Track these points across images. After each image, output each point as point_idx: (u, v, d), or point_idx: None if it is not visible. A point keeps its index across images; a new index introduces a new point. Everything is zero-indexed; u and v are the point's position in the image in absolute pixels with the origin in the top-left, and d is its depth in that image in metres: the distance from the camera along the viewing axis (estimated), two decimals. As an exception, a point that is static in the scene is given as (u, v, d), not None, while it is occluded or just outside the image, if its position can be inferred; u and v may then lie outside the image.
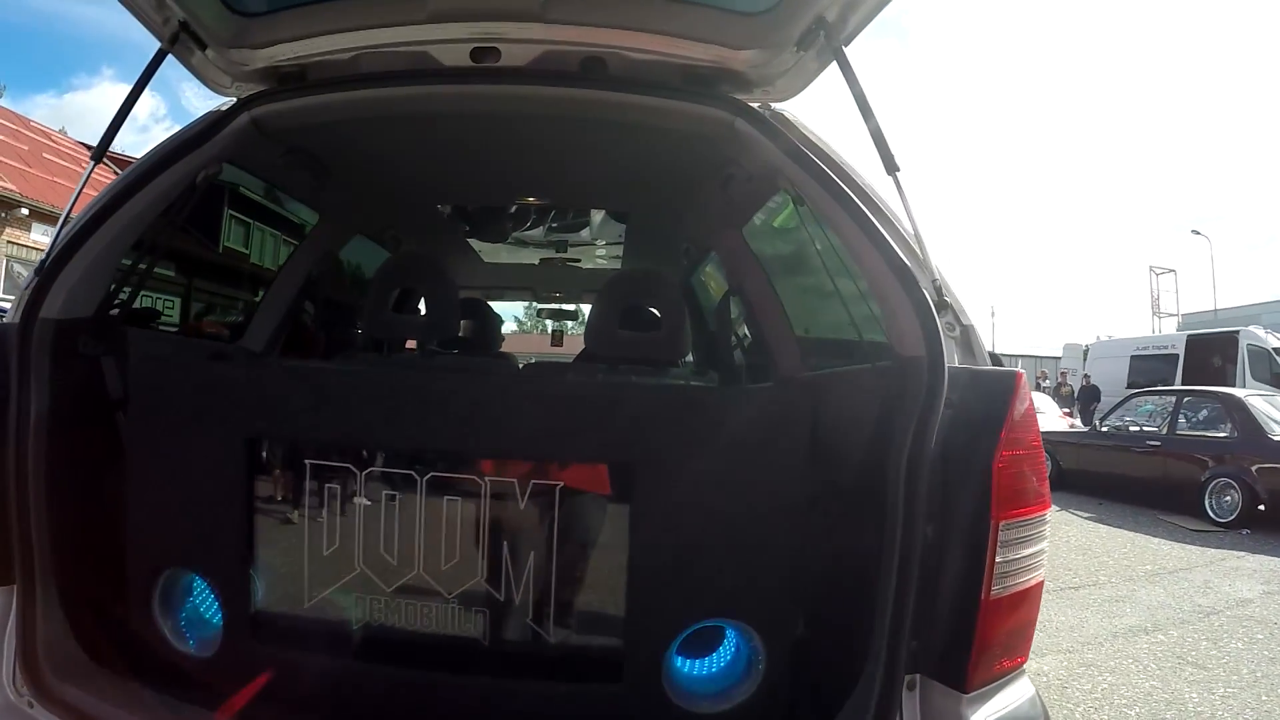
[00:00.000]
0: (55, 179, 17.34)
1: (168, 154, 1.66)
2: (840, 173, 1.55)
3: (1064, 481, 9.32)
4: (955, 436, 1.25)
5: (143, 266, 1.85)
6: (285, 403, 1.43)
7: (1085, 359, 17.82)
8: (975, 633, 1.22)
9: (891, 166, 1.46)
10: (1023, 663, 1.35)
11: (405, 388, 1.42)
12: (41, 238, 15.59)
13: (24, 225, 16.06)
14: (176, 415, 1.44)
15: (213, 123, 1.72)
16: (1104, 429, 9.53)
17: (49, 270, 1.50)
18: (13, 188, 15.79)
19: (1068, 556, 5.80)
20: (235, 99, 1.79)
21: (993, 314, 41.06)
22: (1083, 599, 4.76)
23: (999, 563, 1.21)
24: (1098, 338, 19.17)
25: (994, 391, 1.25)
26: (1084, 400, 15.84)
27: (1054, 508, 4.87)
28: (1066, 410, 15.42)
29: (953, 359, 1.32)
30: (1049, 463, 7.61)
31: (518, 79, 1.71)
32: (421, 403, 1.41)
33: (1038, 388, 17.60)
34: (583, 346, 2.52)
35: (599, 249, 3.84)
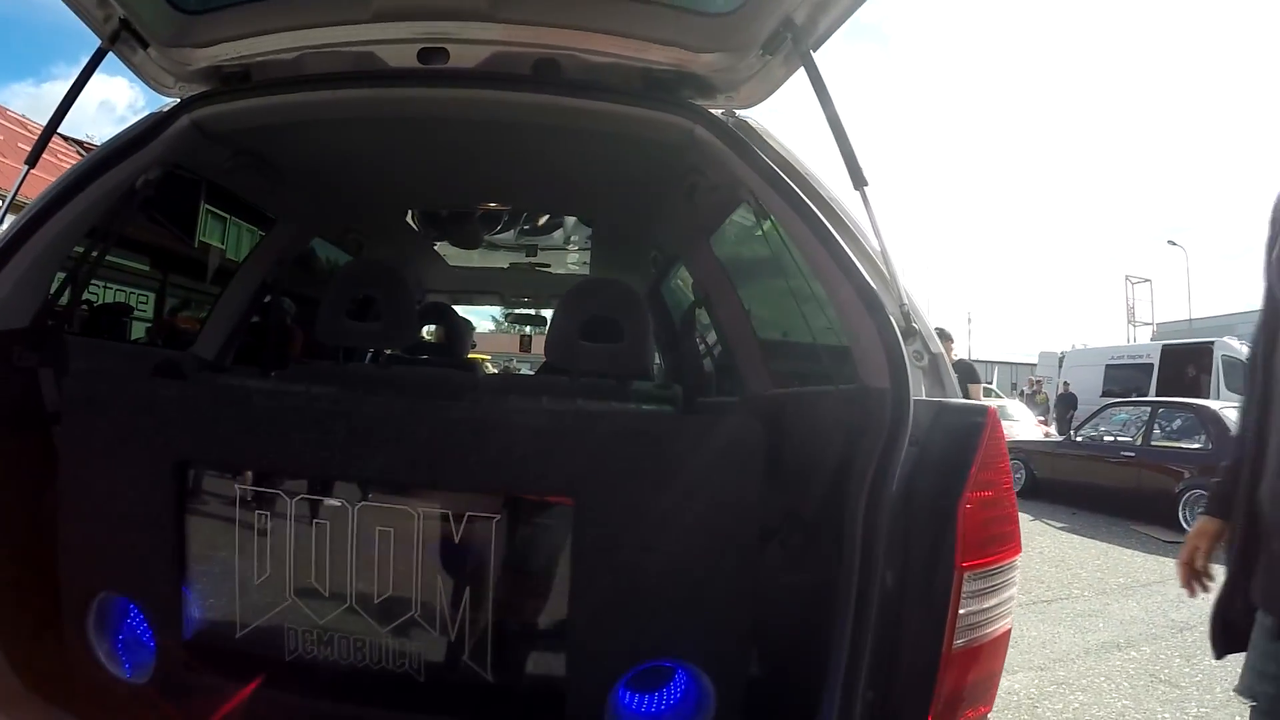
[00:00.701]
0: (32, 170, 17.06)
1: (103, 158, 1.59)
2: (806, 187, 1.47)
3: (1038, 491, 9.36)
4: (920, 477, 1.17)
5: (83, 272, 1.79)
6: (216, 425, 1.36)
7: (1060, 367, 17.97)
8: (936, 686, 1.14)
9: (859, 181, 1.38)
10: (987, 711, 1.26)
11: (338, 412, 1.35)
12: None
13: None
14: (109, 433, 1.37)
15: (152, 125, 1.66)
16: (1078, 438, 9.57)
17: None
18: (-13, 177, 15.51)
19: (1041, 569, 5.78)
20: (177, 99, 1.72)
21: (969, 320, 41.51)
22: (1055, 613, 4.74)
23: (963, 614, 1.13)
24: (1073, 346, 19.37)
25: (963, 429, 1.17)
26: (1061, 408, 15.97)
27: (1027, 517, 4.89)
28: (1041, 418, 15.55)
29: (919, 390, 1.24)
30: (1023, 472, 7.65)
31: (466, 82, 1.63)
32: (353, 428, 1.33)
33: (1016, 392, 17.74)
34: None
35: (570, 254, 3.77)
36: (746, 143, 1.54)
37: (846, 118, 1.45)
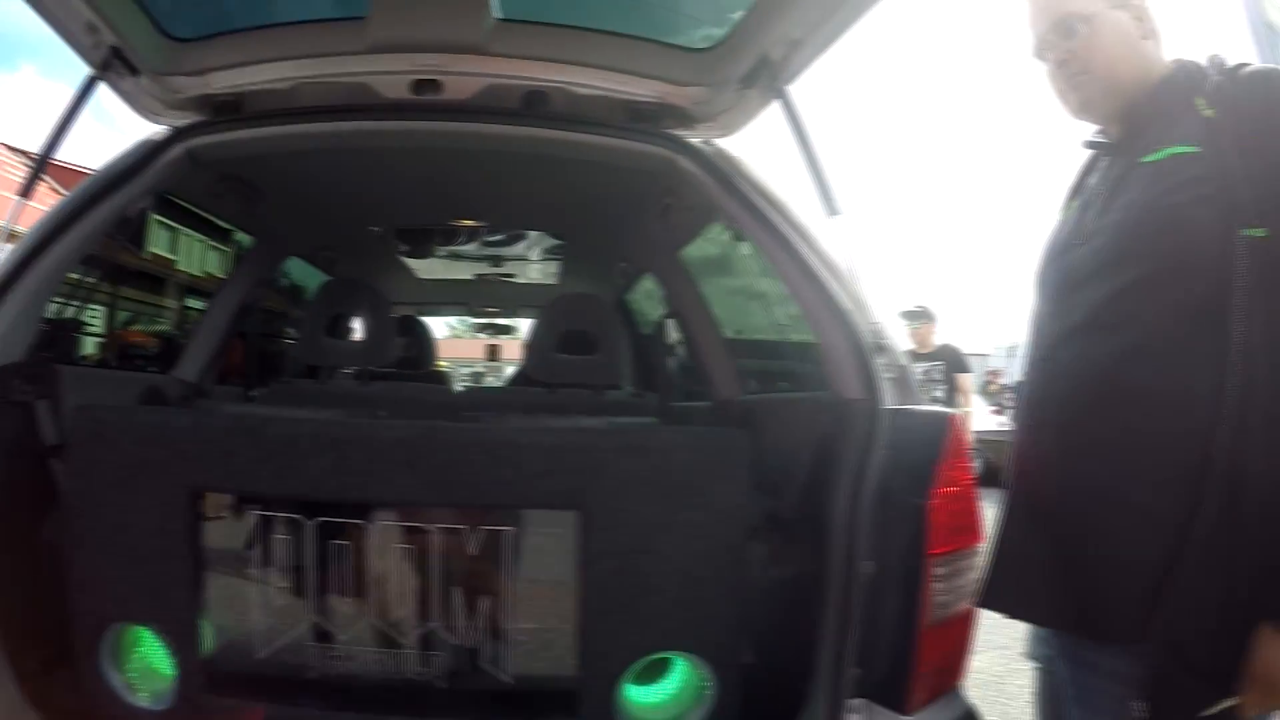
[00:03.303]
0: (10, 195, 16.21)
1: (99, 188, 1.60)
2: (781, 213, 1.58)
3: (994, 478, 9.61)
4: (892, 477, 1.31)
5: (77, 302, 1.80)
6: (229, 454, 1.38)
7: (1012, 357, 18.40)
8: (914, 659, 1.28)
9: (832, 210, 1.50)
10: (959, 681, 1.42)
11: (353, 437, 1.40)
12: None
13: None
14: (116, 465, 1.38)
15: (146, 154, 1.66)
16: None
17: None
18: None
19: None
20: (170, 128, 1.73)
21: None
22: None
23: (934, 595, 1.27)
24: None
25: (929, 433, 1.31)
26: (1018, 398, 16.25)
27: (985, 503, 5.07)
28: (996, 408, 15.96)
29: (890, 400, 1.38)
30: (979, 461, 7.82)
31: (459, 116, 1.70)
32: (369, 451, 1.39)
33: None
34: (516, 356, 2.50)
35: (534, 265, 3.82)
36: (725, 172, 1.65)
37: (821, 146, 1.55)
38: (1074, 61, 1.19)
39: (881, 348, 1.41)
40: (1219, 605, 1.01)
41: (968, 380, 5.51)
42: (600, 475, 1.38)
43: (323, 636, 1.43)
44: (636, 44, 1.71)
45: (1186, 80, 1.15)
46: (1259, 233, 1.01)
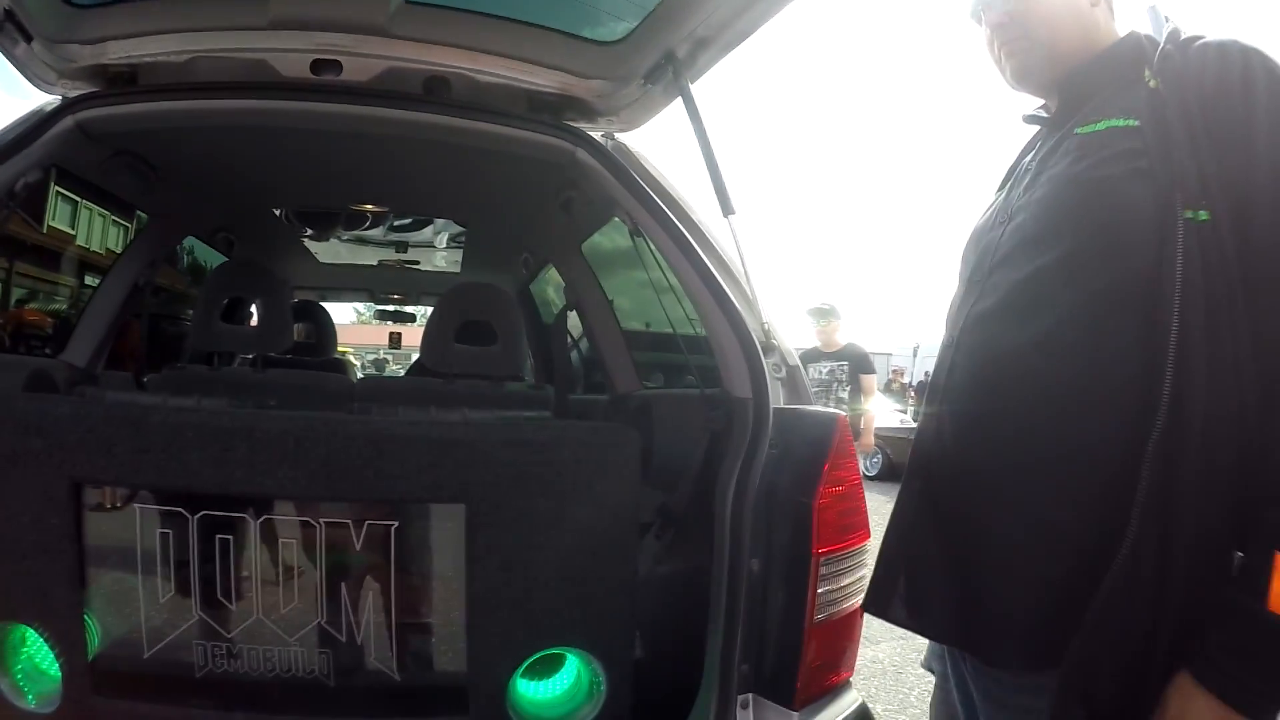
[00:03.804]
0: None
1: None
2: (678, 210, 1.59)
3: (894, 473, 10.08)
4: (779, 476, 1.33)
5: None
6: (112, 444, 1.31)
7: (915, 356, 19.29)
8: (801, 656, 1.31)
9: (727, 209, 1.52)
10: (848, 676, 1.45)
11: (236, 428, 1.33)
12: None
13: None
14: None
15: (34, 126, 1.56)
16: (931, 422, 10.36)
17: None
18: None
19: (897, 545, 6.26)
20: (60, 98, 1.64)
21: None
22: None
23: (820, 592, 1.29)
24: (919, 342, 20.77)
25: (816, 433, 1.34)
26: (921, 395, 17.03)
27: (885, 498, 5.23)
28: (899, 407, 16.68)
29: (778, 399, 1.40)
30: (880, 456, 8.16)
31: (357, 99, 1.65)
32: (252, 444, 1.33)
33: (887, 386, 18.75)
34: (419, 344, 2.44)
35: (438, 252, 3.75)
36: (624, 166, 1.64)
37: (719, 145, 1.57)
38: (1012, 25, 1.09)
39: (771, 347, 1.43)
40: (1133, 645, 0.88)
41: (872, 381, 5.46)
42: (486, 469, 1.36)
43: (210, 634, 1.38)
44: (541, 34, 1.69)
45: (1135, 51, 1.04)
46: (1202, 215, 0.89)
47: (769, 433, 1.34)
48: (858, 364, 5.37)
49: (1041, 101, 1.18)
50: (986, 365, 1.05)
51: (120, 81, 1.68)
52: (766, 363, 1.40)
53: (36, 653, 1.41)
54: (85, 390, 1.47)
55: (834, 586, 1.32)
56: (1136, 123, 0.97)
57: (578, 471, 1.39)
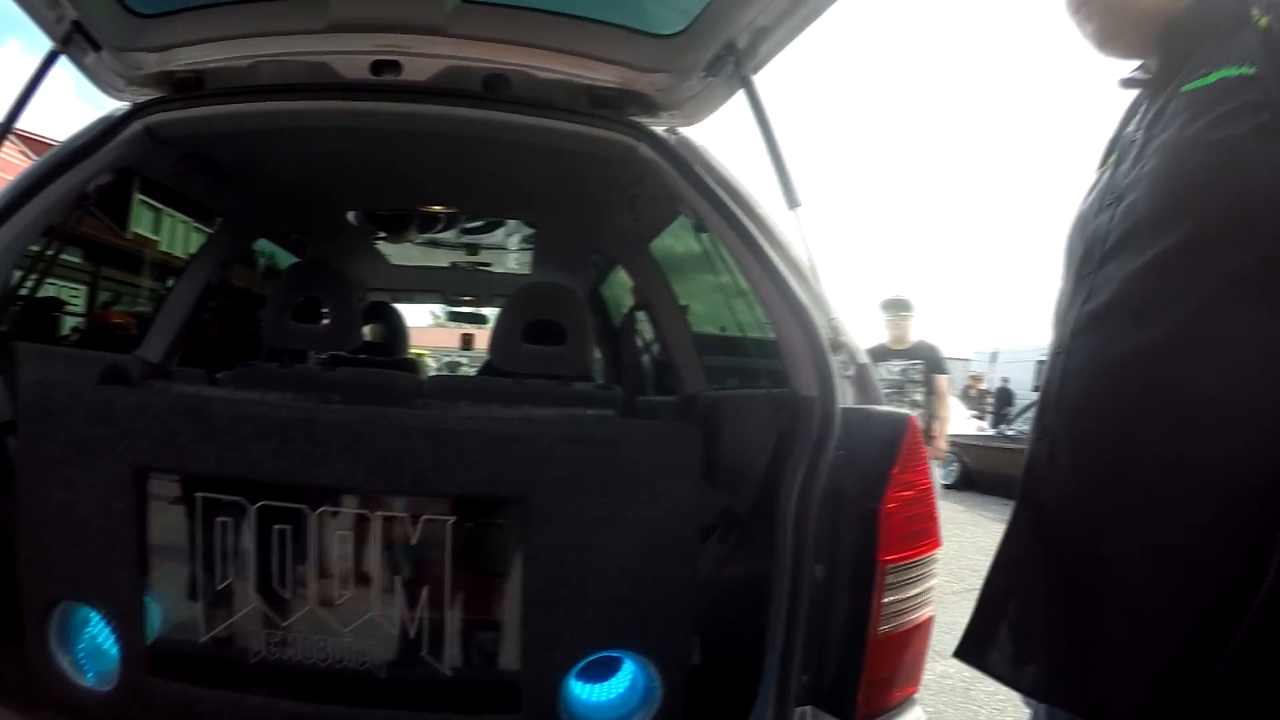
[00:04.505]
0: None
1: (56, 164, 1.58)
2: (742, 203, 1.55)
3: (972, 483, 9.72)
4: (845, 479, 1.27)
5: (33, 279, 1.77)
6: (175, 434, 1.36)
7: (994, 362, 18.61)
8: (864, 669, 1.24)
9: (793, 202, 1.47)
10: (913, 692, 1.37)
11: (295, 420, 1.36)
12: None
13: None
14: (67, 443, 1.37)
15: (104, 131, 1.64)
16: (1009, 432, 9.98)
17: None
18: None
19: (973, 558, 6.00)
20: (129, 104, 1.71)
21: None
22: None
23: (886, 603, 1.23)
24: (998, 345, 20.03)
25: (885, 434, 1.27)
26: (997, 403, 16.52)
27: (960, 508, 5.03)
28: (975, 413, 16.11)
29: (846, 399, 1.34)
30: (956, 464, 7.77)
31: (418, 97, 1.67)
32: (311, 436, 1.35)
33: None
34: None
35: (510, 254, 3.80)
36: (687, 161, 1.61)
37: (784, 137, 1.53)
38: None
39: (839, 345, 1.37)
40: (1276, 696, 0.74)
41: (946, 382, 5.08)
42: (544, 466, 1.34)
43: (265, 622, 1.41)
44: (599, 28, 1.68)
45: None
46: None
47: (836, 433, 1.29)
48: (931, 363, 4.99)
49: (1139, 63, 1.04)
50: (1102, 374, 0.91)
51: (186, 87, 1.74)
52: (834, 360, 1.34)
53: (98, 633, 1.46)
54: (154, 383, 1.53)
55: (900, 596, 1.25)
56: (1252, 70, 0.84)
57: (638, 469, 1.37)
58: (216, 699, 1.38)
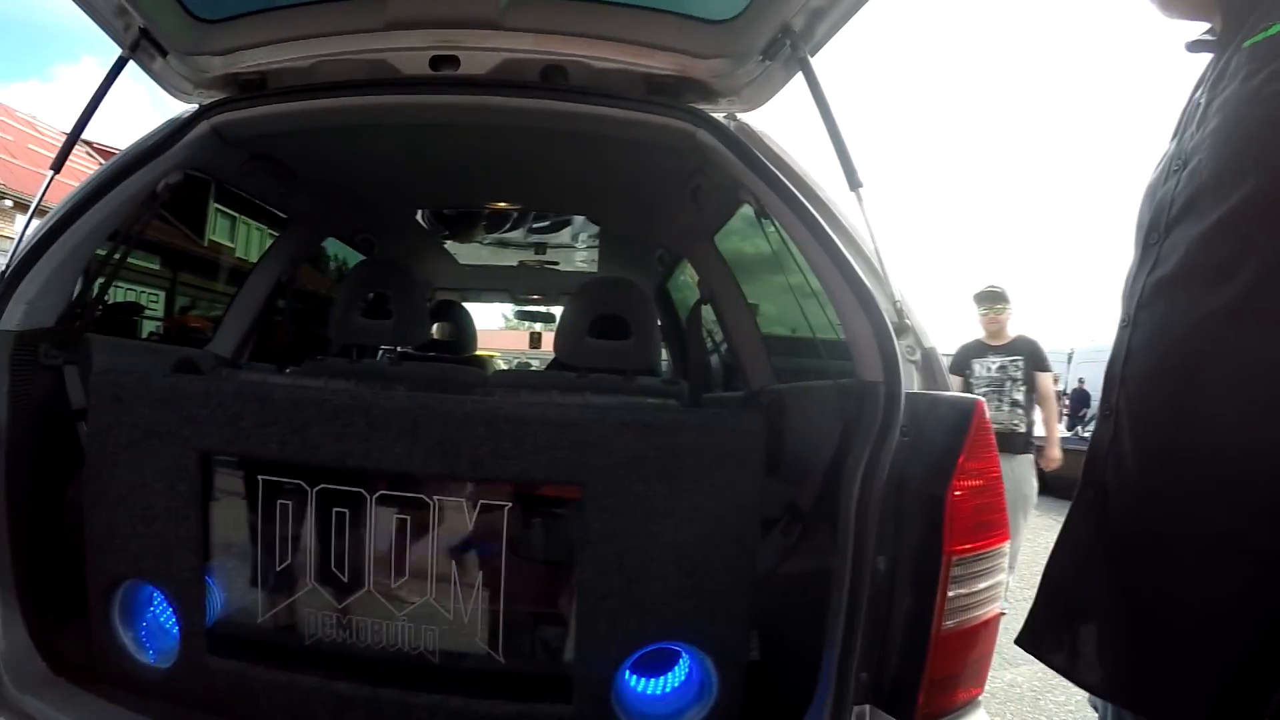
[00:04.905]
0: (40, 169, 17.21)
1: (127, 163, 1.65)
2: (804, 188, 1.52)
3: (1046, 486, 9.33)
4: (910, 466, 1.22)
5: (106, 274, 1.85)
6: (238, 419, 1.41)
7: (1069, 363, 17.82)
8: (926, 667, 1.19)
9: (854, 183, 1.43)
10: (978, 694, 1.31)
11: (355, 406, 1.39)
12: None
13: (8, 217, 15.95)
14: (135, 427, 1.43)
15: (172, 131, 1.71)
16: (1085, 434, 9.55)
17: (7, 282, 1.51)
18: (-2, 179, 15.69)
19: (1037, 567, 5.76)
20: (197, 105, 1.78)
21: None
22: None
23: (951, 596, 1.17)
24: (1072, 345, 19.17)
25: (952, 421, 1.21)
26: (1074, 404, 15.85)
27: (1035, 513, 4.77)
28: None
29: (912, 384, 1.29)
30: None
31: (477, 89, 1.69)
32: (371, 421, 1.38)
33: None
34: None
35: (578, 252, 3.82)
36: (747, 146, 1.59)
37: (843, 119, 1.49)
38: None
39: (904, 328, 1.32)
40: None
41: (1049, 381, 4.53)
42: (602, 452, 1.33)
43: (321, 604, 1.44)
44: (653, 16, 1.67)
45: None
46: None
47: (900, 419, 1.24)
48: (1033, 359, 4.48)
49: (1206, 26, 0.99)
50: (1168, 346, 0.86)
51: (251, 88, 1.80)
52: (899, 344, 1.30)
53: (161, 612, 1.52)
54: (223, 371, 1.59)
55: (966, 591, 1.19)
56: None
57: (698, 458, 1.35)
58: (272, 679, 1.41)
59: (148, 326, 3.58)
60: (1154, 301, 0.89)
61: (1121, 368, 0.93)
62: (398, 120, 1.87)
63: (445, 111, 1.76)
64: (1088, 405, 14.86)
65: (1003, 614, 1.29)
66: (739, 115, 1.76)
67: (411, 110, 1.77)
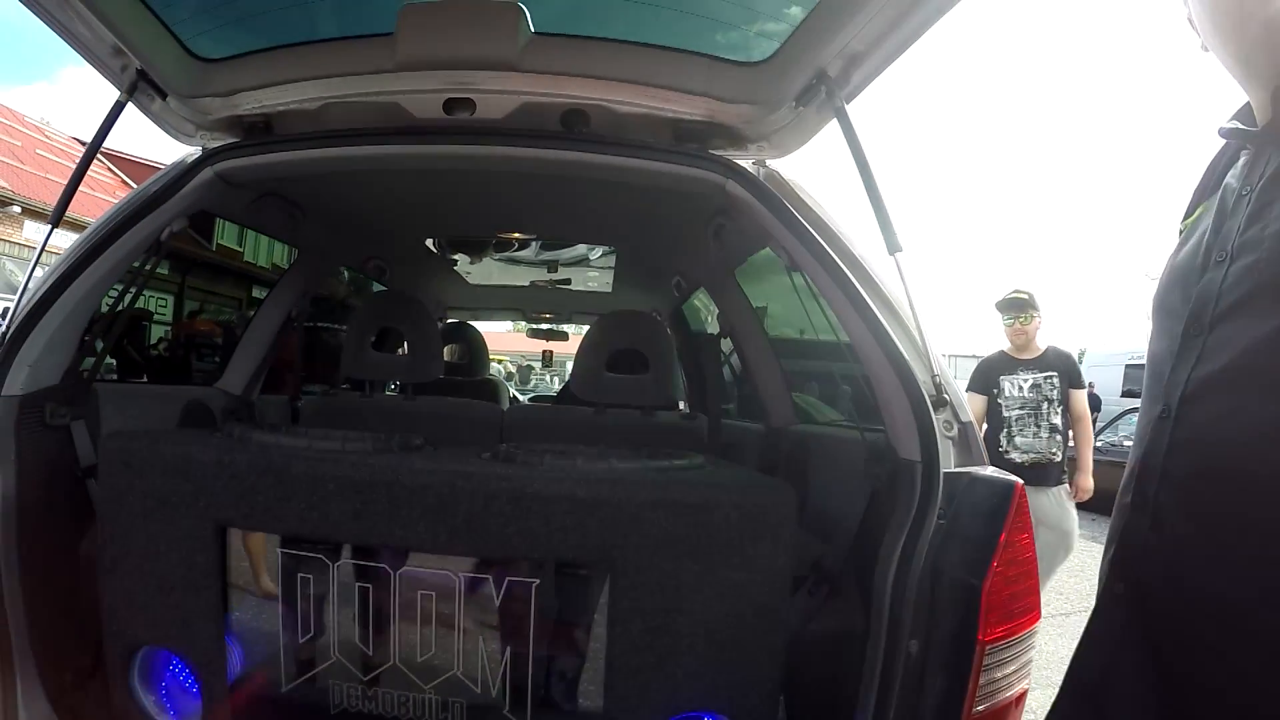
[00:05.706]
0: (48, 175, 17.21)
1: (129, 214, 1.60)
2: (837, 245, 1.47)
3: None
4: (946, 551, 1.19)
5: (113, 327, 1.81)
6: (255, 492, 1.37)
7: (1080, 363, 17.67)
8: None
9: (893, 246, 1.37)
10: None
11: (376, 482, 1.34)
12: (34, 235, 15.66)
13: (16, 223, 15.93)
14: (143, 494, 1.39)
15: (176, 177, 1.65)
16: (1098, 443, 9.44)
17: (9, 345, 1.45)
18: (5, 185, 15.68)
19: (1060, 580, 5.69)
20: (201, 150, 1.72)
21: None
22: (1074, 627, 4.67)
23: (983, 682, 1.15)
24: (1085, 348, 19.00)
25: (991, 505, 1.18)
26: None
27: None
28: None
29: (949, 460, 1.26)
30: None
31: (493, 139, 1.61)
32: (394, 498, 1.34)
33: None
34: (572, 353, 2.45)
35: (590, 272, 3.77)
36: (777, 197, 1.54)
37: (880, 170, 1.43)
38: None
39: (942, 403, 1.28)
40: None
41: (1084, 401, 3.99)
42: (632, 532, 1.30)
43: (346, 675, 1.41)
44: (681, 58, 1.60)
45: None
46: None
47: (938, 502, 1.21)
48: (1068, 375, 3.95)
49: (1240, 102, 0.92)
50: (1224, 449, 0.80)
51: (256, 131, 1.72)
52: (937, 420, 1.26)
53: (182, 675, 1.48)
54: (234, 429, 1.55)
55: (998, 675, 1.17)
56: None
57: (728, 533, 1.31)
58: None
59: (156, 332, 3.57)
60: (1203, 398, 0.84)
61: (1163, 461, 0.87)
62: (411, 166, 1.81)
63: (461, 160, 1.70)
64: (1098, 410, 14.72)
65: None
66: (769, 162, 1.71)
67: (425, 159, 1.71)
